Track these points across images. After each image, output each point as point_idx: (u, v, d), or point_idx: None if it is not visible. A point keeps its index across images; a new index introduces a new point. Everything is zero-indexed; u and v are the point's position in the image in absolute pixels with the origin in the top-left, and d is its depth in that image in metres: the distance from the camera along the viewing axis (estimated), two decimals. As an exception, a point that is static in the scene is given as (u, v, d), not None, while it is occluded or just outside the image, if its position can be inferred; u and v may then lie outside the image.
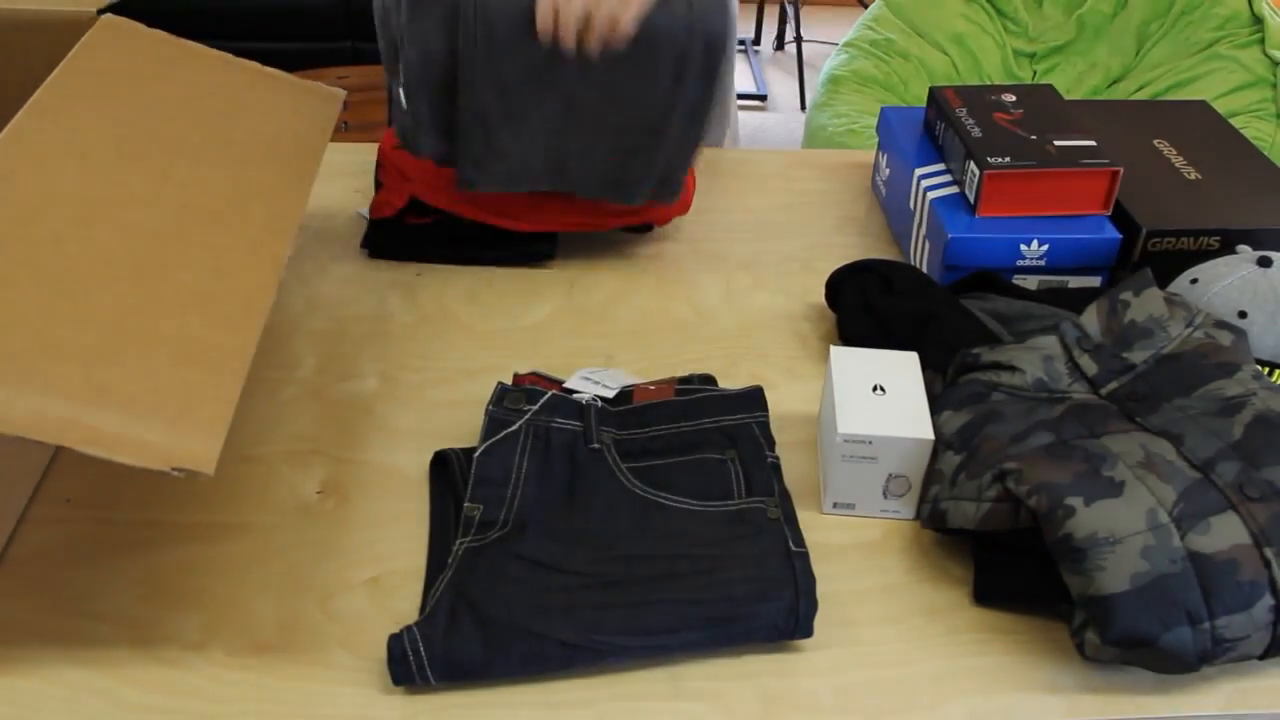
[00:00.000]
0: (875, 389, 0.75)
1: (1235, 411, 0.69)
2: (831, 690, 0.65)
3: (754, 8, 3.74)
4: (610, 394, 0.77)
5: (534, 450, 0.73)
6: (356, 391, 0.85)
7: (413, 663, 0.61)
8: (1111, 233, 0.91)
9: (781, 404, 0.85)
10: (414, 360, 0.88)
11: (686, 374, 0.83)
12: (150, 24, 0.84)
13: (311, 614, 0.68)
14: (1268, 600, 0.61)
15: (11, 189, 0.65)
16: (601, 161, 0.91)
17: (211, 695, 0.63)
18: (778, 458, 0.74)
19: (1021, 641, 0.68)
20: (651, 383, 0.79)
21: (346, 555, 0.72)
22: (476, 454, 0.72)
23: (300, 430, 0.81)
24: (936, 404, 0.75)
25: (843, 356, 0.78)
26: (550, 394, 0.75)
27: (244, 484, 0.77)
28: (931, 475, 0.73)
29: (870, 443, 0.72)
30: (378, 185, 1.00)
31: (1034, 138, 0.94)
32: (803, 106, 3.22)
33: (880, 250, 1.04)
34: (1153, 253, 0.91)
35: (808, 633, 0.65)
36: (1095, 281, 0.93)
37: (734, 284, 0.99)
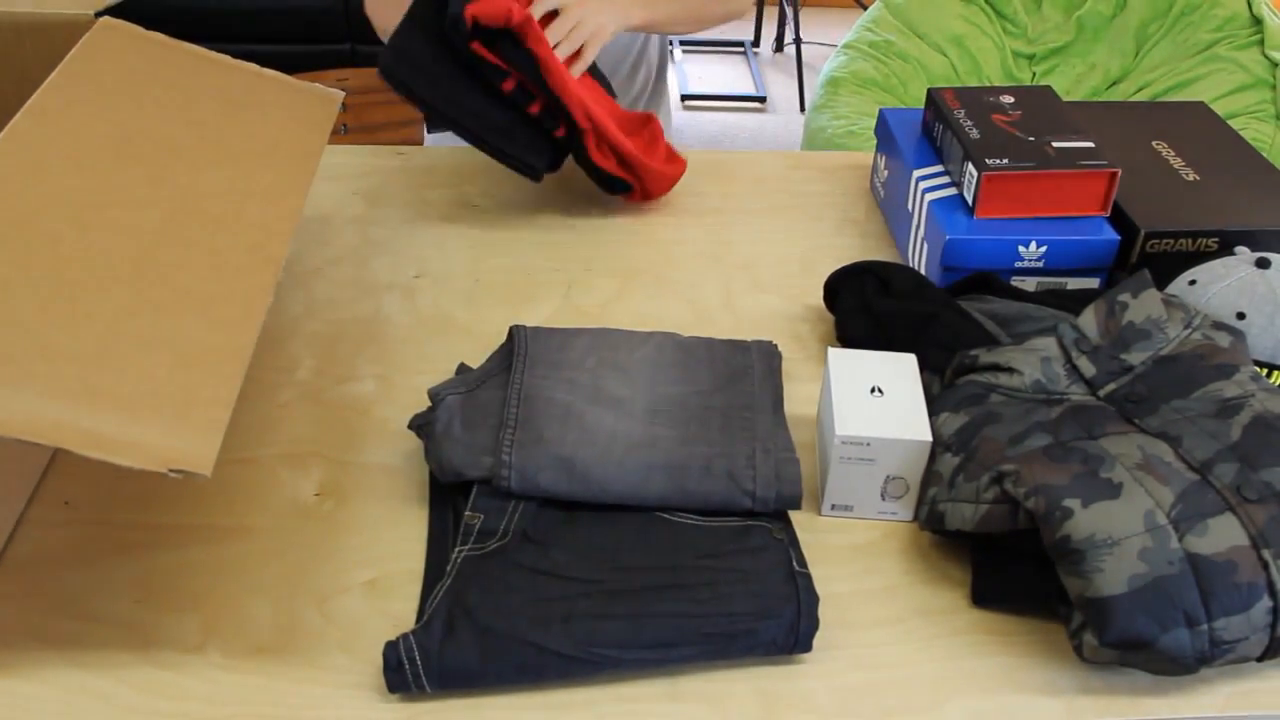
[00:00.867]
0: (873, 391, 0.75)
1: (1233, 413, 0.69)
2: (829, 692, 0.65)
3: (753, 9, 3.74)
4: None
5: None
6: (354, 394, 0.85)
7: (409, 671, 0.61)
8: (1110, 234, 0.91)
9: (780, 406, 0.85)
10: (412, 362, 0.88)
11: None
12: (148, 26, 0.84)
13: (309, 616, 0.68)
14: (1266, 602, 0.61)
15: (9, 191, 0.65)
16: None
17: (209, 697, 0.63)
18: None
19: (1019, 643, 0.68)
20: None
21: (344, 557, 0.72)
22: None
23: (298, 432, 0.81)
24: (934, 406, 0.75)
25: (841, 358, 0.78)
26: None
27: (242, 486, 0.77)
28: (929, 477, 0.73)
29: (868, 444, 0.72)
30: None
31: (1032, 139, 0.94)
32: (802, 108, 3.22)
33: (879, 252, 1.04)
34: (1151, 254, 0.91)
35: (807, 648, 0.65)
36: (1093, 283, 0.93)
37: (733, 285, 0.99)
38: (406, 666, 0.61)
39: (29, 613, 0.67)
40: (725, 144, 3.04)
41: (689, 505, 0.70)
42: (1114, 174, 0.91)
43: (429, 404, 0.77)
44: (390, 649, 0.62)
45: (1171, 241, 0.90)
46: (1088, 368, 0.74)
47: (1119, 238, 0.91)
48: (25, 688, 0.63)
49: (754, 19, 3.69)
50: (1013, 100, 1.01)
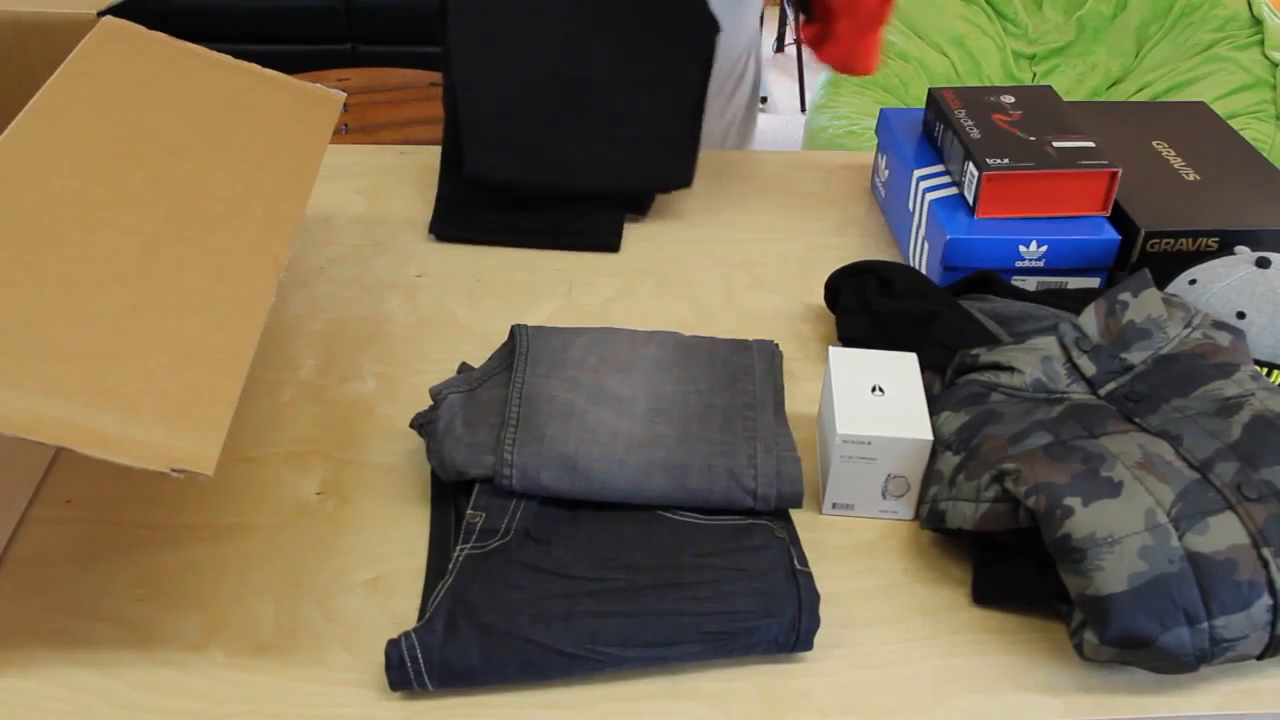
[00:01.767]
0: (874, 390, 0.75)
1: (1233, 412, 0.69)
2: (830, 690, 0.65)
3: (754, 9, 3.74)
4: None
5: None
6: (357, 393, 0.85)
7: (410, 669, 0.61)
8: (1110, 234, 0.91)
9: (781, 405, 0.85)
10: (414, 361, 0.89)
11: None
12: (150, 26, 0.84)
13: (311, 615, 0.68)
14: (1266, 600, 0.61)
15: (12, 191, 0.66)
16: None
17: (211, 696, 0.63)
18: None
19: (1019, 642, 0.68)
20: None
21: (346, 556, 0.72)
22: None
23: (300, 431, 0.81)
24: (935, 405, 0.76)
25: (842, 357, 0.78)
26: None
27: (244, 485, 0.77)
28: (930, 476, 0.73)
29: (869, 443, 0.72)
30: None
31: (1033, 139, 0.95)
32: (803, 108, 3.23)
33: (879, 251, 1.04)
34: (1151, 254, 0.91)
35: (808, 647, 0.65)
36: (1094, 282, 0.93)
37: (734, 285, 0.99)
38: (408, 664, 0.61)
39: (30, 611, 0.68)
40: (725, 147, 3.04)
41: (690, 504, 0.71)
42: (1114, 174, 0.91)
43: (430, 403, 0.77)
44: (392, 647, 0.62)
45: (1172, 241, 0.91)
46: (1088, 367, 0.74)
47: (1119, 237, 0.91)
48: (27, 686, 0.63)
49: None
50: (1013, 100, 1.01)
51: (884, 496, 0.75)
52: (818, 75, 2.28)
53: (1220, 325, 0.76)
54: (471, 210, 1.03)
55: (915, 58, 2.23)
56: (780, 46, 3.64)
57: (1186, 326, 0.76)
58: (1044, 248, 0.91)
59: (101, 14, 0.82)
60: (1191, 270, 0.86)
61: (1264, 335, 0.81)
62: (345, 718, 0.62)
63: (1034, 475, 0.65)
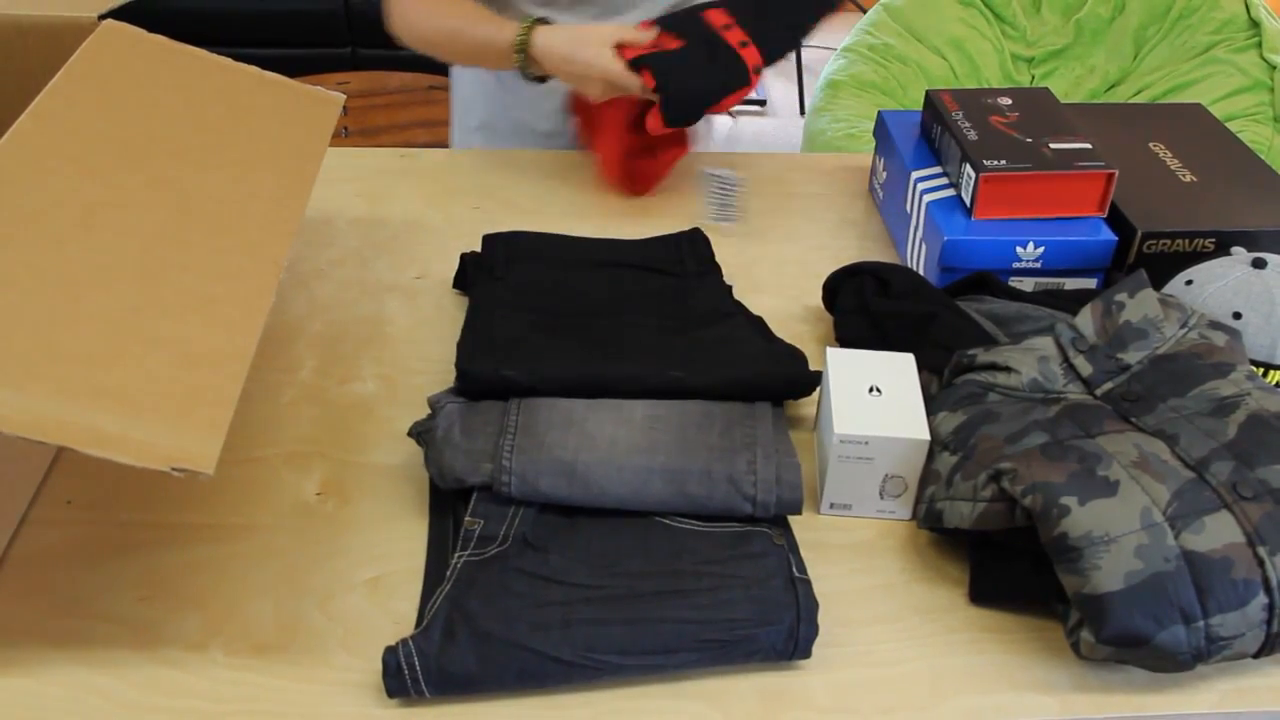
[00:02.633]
0: (871, 390, 0.75)
1: (1229, 411, 0.69)
2: (827, 689, 0.65)
3: None
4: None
5: None
6: (357, 394, 0.86)
7: (408, 677, 0.62)
8: (1107, 235, 0.91)
9: (779, 406, 0.85)
10: (414, 363, 0.89)
11: None
12: (151, 29, 0.84)
13: (312, 615, 0.68)
14: (1261, 599, 0.62)
15: (13, 192, 0.66)
16: None
17: (212, 695, 0.63)
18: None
19: (1016, 640, 0.68)
20: None
21: (346, 556, 0.72)
22: None
23: (301, 432, 0.82)
24: (932, 405, 0.76)
25: (839, 358, 0.78)
26: None
27: (245, 486, 0.77)
28: (927, 475, 0.73)
29: (866, 443, 0.72)
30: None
31: (1030, 141, 0.95)
32: (802, 111, 3.23)
33: (877, 253, 1.05)
34: (1148, 254, 0.91)
35: (806, 654, 0.66)
36: (1091, 283, 0.93)
37: (733, 286, 0.99)
38: (405, 672, 0.62)
39: (32, 611, 0.68)
40: (725, 145, 3.05)
41: (689, 510, 0.71)
42: (1111, 175, 0.92)
43: (429, 406, 0.77)
44: (389, 654, 0.62)
45: (1168, 242, 0.91)
46: (1085, 367, 0.74)
47: (1116, 238, 0.91)
48: (29, 685, 0.63)
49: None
50: (1010, 102, 1.01)
51: (881, 496, 0.75)
52: (816, 78, 2.29)
53: (1216, 325, 0.76)
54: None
55: (913, 60, 2.24)
56: (779, 49, 3.64)
57: (1183, 327, 0.76)
58: (1041, 249, 0.91)
59: (102, 17, 0.82)
60: (1188, 271, 0.87)
61: (1260, 335, 0.81)
62: (345, 717, 0.63)
63: (1031, 475, 0.66)
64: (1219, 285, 0.83)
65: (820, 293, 0.97)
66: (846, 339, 0.89)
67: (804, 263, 1.03)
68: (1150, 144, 1.03)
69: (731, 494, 0.70)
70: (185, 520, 0.74)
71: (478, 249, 0.96)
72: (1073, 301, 0.86)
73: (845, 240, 1.07)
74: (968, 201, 0.94)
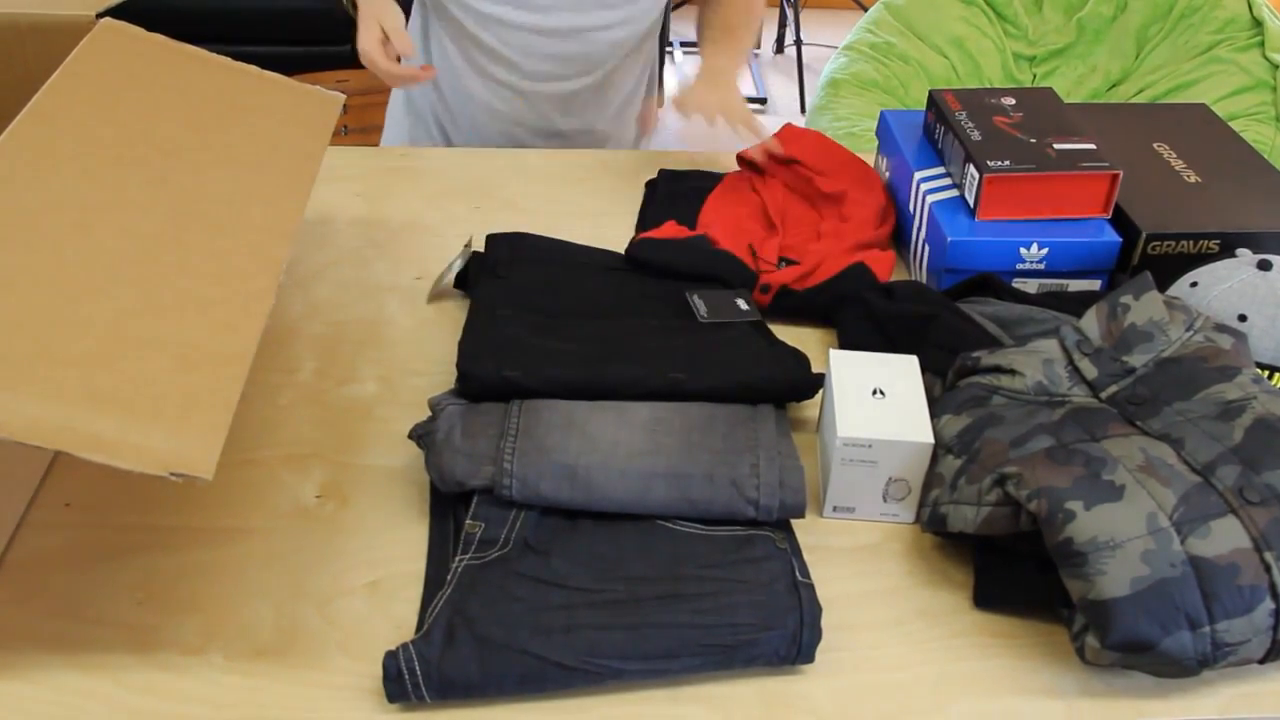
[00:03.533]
0: (875, 393, 0.75)
1: (1235, 415, 0.69)
2: (830, 694, 0.65)
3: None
4: None
5: None
6: (356, 395, 0.85)
7: (408, 682, 0.61)
8: (1111, 236, 0.91)
9: (781, 408, 0.85)
10: (413, 364, 0.88)
11: None
12: (149, 28, 0.84)
13: (310, 618, 0.68)
14: (1268, 604, 0.61)
15: (11, 193, 0.65)
16: None
17: (210, 699, 0.63)
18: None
19: (1021, 645, 0.68)
20: None
21: (346, 559, 0.72)
22: None
23: (300, 434, 0.81)
24: (936, 408, 0.75)
25: (843, 360, 0.78)
26: None
27: (243, 488, 0.77)
28: (931, 479, 0.73)
29: (870, 446, 0.72)
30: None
31: (1033, 141, 0.94)
32: (803, 110, 3.23)
33: (880, 254, 1.04)
34: (1152, 256, 0.91)
35: (809, 659, 0.65)
36: (1095, 285, 0.93)
37: (734, 287, 0.99)
38: (406, 677, 0.61)
39: (29, 615, 0.67)
40: (726, 144, 3.04)
41: (691, 514, 0.70)
42: (1115, 176, 0.91)
43: (429, 408, 0.77)
44: (390, 659, 0.62)
45: (1173, 244, 0.90)
46: (1089, 370, 0.74)
47: (1120, 240, 0.91)
48: (26, 690, 0.63)
49: (754, 20, 3.68)
50: (1014, 102, 1.01)
51: (885, 500, 0.75)
52: (817, 77, 2.28)
53: (1222, 328, 0.76)
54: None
55: (915, 59, 2.23)
56: (780, 48, 3.65)
57: (1188, 329, 0.76)
58: (1045, 250, 0.91)
59: (100, 15, 0.82)
60: (1193, 273, 0.86)
61: (1265, 338, 0.80)
62: (345, 722, 0.62)
63: (1035, 479, 0.65)
64: (1224, 287, 0.83)
65: (822, 294, 0.96)
66: (850, 341, 0.89)
67: (806, 263, 1.02)
68: (1154, 144, 1.02)
69: (734, 497, 0.70)
70: (184, 523, 0.74)
71: (479, 249, 0.96)
72: (1077, 303, 0.85)
73: (847, 241, 1.06)
74: (971, 202, 0.93)
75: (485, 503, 0.70)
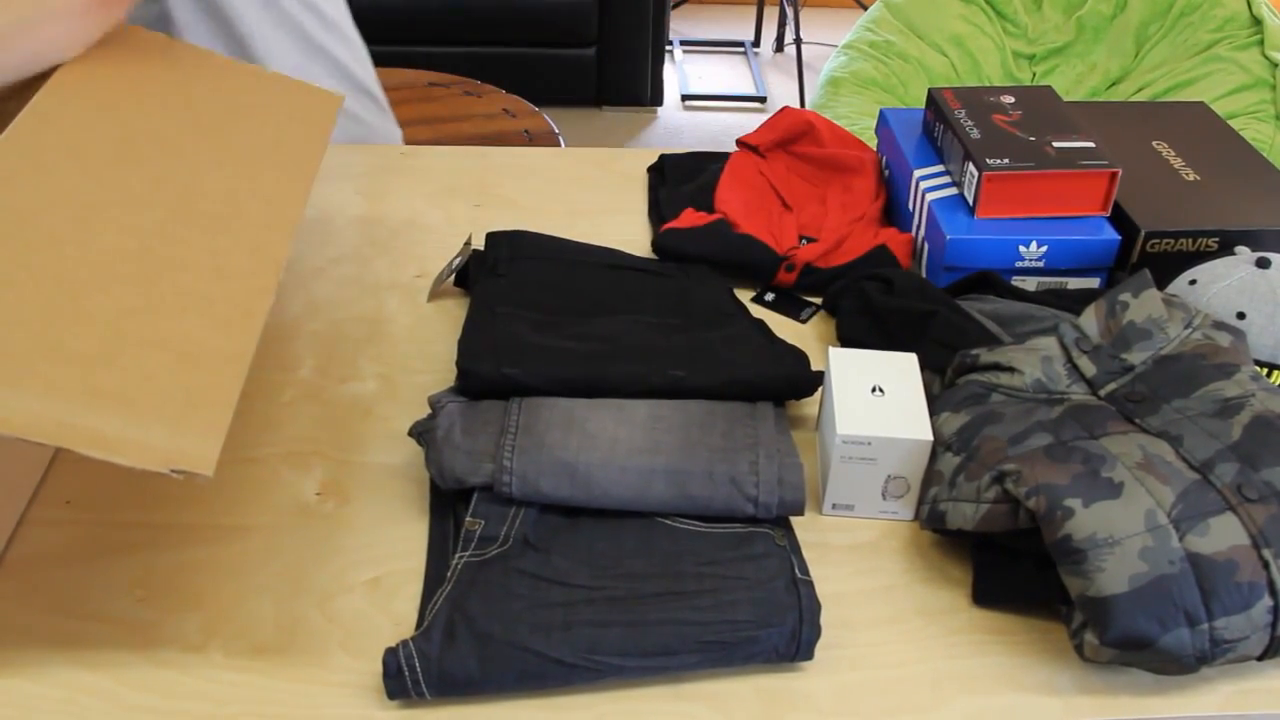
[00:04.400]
0: (874, 390, 0.75)
1: (1234, 413, 0.69)
2: (829, 691, 0.65)
3: (754, 10, 3.74)
4: None
5: None
6: (356, 393, 0.85)
7: (408, 679, 0.61)
8: (1110, 234, 0.91)
9: (780, 405, 0.85)
10: (414, 362, 0.89)
11: None
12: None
13: (311, 616, 0.68)
14: (1266, 601, 0.61)
15: (11, 191, 0.65)
16: None
17: (211, 697, 0.63)
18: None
19: (1020, 643, 0.68)
20: None
21: (346, 557, 0.72)
22: None
23: (300, 432, 0.81)
24: (935, 405, 0.75)
25: (841, 358, 0.78)
26: None
27: (244, 486, 0.77)
28: (930, 476, 0.73)
29: (869, 444, 0.72)
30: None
31: (1032, 139, 0.94)
32: (802, 108, 3.22)
33: (879, 252, 1.04)
34: (1151, 254, 0.91)
35: (808, 656, 0.65)
36: (1094, 283, 0.93)
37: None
38: (406, 674, 0.61)
39: (30, 612, 0.67)
40: (726, 144, 3.05)
41: (691, 511, 0.70)
42: (1114, 174, 0.91)
43: (429, 405, 0.77)
44: (390, 655, 0.62)
45: (1172, 241, 0.91)
46: (1088, 367, 0.74)
47: (1119, 238, 0.91)
48: (26, 687, 0.63)
49: (754, 19, 3.68)
50: (1013, 100, 1.01)
51: (884, 497, 0.75)
52: (817, 75, 2.29)
53: (1220, 326, 0.76)
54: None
55: (914, 57, 2.23)
56: (780, 46, 3.65)
57: (1187, 327, 0.76)
58: (1044, 248, 0.91)
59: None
60: (1191, 270, 0.86)
61: (1264, 335, 0.80)
62: (345, 718, 0.62)
63: (1034, 476, 0.65)
64: (1223, 285, 0.83)
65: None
66: (848, 338, 0.89)
67: (805, 261, 1.03)
68: (1153, 142, 1.03)
69: (734, 495, 0.70)
70: (184, 520, 0.74)
71: (479, 247, 0.96)
72: (1076, 301, 0.85)
73: (847, 239, 1.06)
74: (970, 200, 0.93)
75: (485, 500, 0.70)
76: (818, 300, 0.97)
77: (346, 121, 1.25)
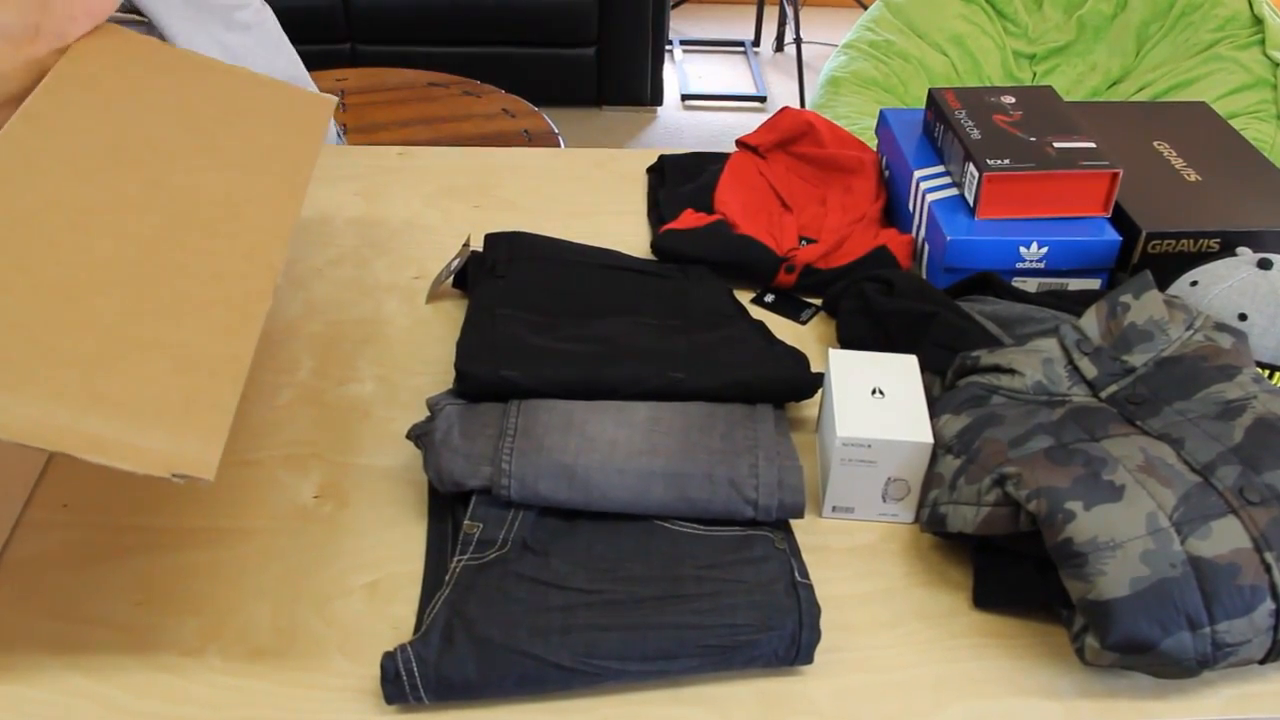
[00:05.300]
0: (874, 392, 0.75)
1: (1235, 415, 0.69)
2: (829, 694, 0.65)
3: (754, 9, 3.74)
4: None
5: None
6: (355, 395, 0.85)
7: (406, 683, 0.61)
8: (1111, 235, 0.91)
9: (780, 407, 0.85)
10: (412, 364, 0.88)
11: None
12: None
13: (309, 619, 0.68)
14: (1268, 605, 0.61)
15: (6, 195, 0.65)
16: None
17: (208, 701, 0.63)
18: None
19: (1020, 646, 0.68)
20: None
21: (345, 560, 0.72)
22: None
23: (298, 434, 0.81)
24: (936, 407, 0.75)
25: (842, 360, 0.77)
26: None
27: (241, 489, 0.76)
28: (931, 479, 0.72)
29: (869, 446, 0.72)
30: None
31: (1033, 139, 0.94)
32: (802, 107, 3.22)
33: (879, 252, 1.04)
34: (1152, 255, 0.91)
35: (808, 660, 0.65)
36: (1095, 284, 0.93)
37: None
38: (404, 678, 0.61)
39: (27, 615, 0.67)
40: (726, 143, 3.04)
41: (690, 514, 0.70)
42: (1115, 174, 0.91)
43: (428, 408, 0.76)
44: (388, 660, 0.61)
45: (1173, 242, 0.90)
46: (1089, 369, 0.74)
47: (1120, 238, 0.91)
48: (23, 691, 0.63)
49: (754, 19, 3.68)
50: (1014, 100, 1.01)
51: (884, 500, 0.74)
52: (817, 75, 2.29)
53: (1222, 327, 0.76)
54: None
55: (915, 57, 2.23)
56: (780, 46, 3.64)
57: (1188, 329, 0.75)
58: (1045, 249, 0.91)
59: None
60: (1193, 271, 0.86)
61: (1266, 337, 0.80)
62: (343, 723, 0.62)
63: (1035, 479, 0.65)
64: (1224, 286, 0.83)
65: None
66: (849, 340, 0.88)
67: (805, 262, 1.02)
68: (1154, 143, 1.02)
69: (733, 497, 0.70)
70: (181, 524, 0.74)
71: (478, 248, 0.96)
72: (1077, 302, 0.85)
73: (847, 240, 1.06)
74: (971, 201, 0.93)
75: (483, 503, 0.70)
76: (818, 301, 0.97)
77: None
